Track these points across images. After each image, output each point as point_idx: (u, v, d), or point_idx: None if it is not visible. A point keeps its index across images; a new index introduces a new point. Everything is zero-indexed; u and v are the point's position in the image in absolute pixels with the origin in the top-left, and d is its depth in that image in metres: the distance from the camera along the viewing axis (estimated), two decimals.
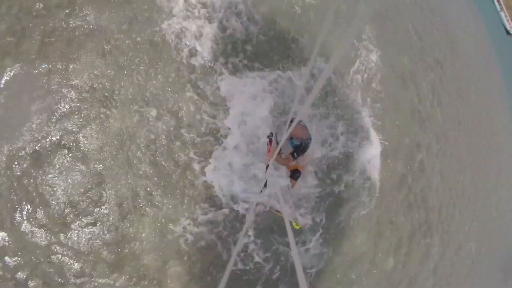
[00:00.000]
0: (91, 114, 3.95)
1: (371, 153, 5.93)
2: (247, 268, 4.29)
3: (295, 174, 4.10)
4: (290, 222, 4.28)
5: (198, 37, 4.51)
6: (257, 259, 4.34)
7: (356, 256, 5.42)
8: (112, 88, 4.05)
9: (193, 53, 4.46)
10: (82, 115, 3.92)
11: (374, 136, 6.10)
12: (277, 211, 4.34)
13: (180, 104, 4.30)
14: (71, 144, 3.83)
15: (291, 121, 4.27)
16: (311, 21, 5.49)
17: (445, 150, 8.42)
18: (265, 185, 4.19)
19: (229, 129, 4.44)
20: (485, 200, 10.59)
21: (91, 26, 4.11)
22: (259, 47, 4.93)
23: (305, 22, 5.42)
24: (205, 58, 4.50)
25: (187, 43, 4.44)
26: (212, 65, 4.53)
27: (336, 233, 5.15)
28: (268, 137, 4.39)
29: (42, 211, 3.65)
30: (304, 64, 5.30)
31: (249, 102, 4.57)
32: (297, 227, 4.35)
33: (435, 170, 7.69)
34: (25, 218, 3.58)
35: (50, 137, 3.77)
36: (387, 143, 6.28)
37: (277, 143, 4.10)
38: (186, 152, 4.23)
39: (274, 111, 4.72)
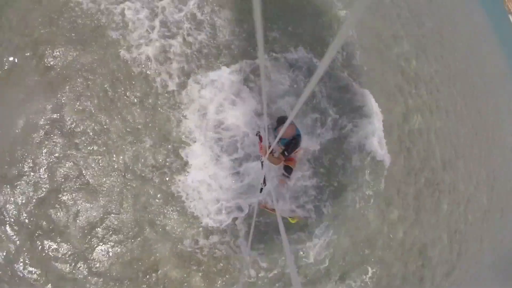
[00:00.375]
0: (88, 157, 4.12)
1: (368, 130, 5.91)
2: (259, 275, 4.46)
3: (286, 171, 4.15)
4: (286, 218, 4.37)
5: (164, 62, 4.50)
6: (264, 265, 4.50)
7: (368, 233, 5.55)
8: (101, 128, 4.20)
9: (164, 80, 4.46)
10: (77, 160, 4.09)
11: (369, 112, 6.07)
12: (272, 209, 4.39)
13: (168, 128, 4.41)
14: (75, 186, 4.04)
15: (280, 121, 4.33)
16: (274, 13, 5.45)
17: (440, 105, 8.40)
18: (264, 182, 4.18)
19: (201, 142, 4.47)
20: (489, 147, 10.58)
21: (63, 69, 4.21)
22: (233, 49, 4.93)
23: (273, 14, 5.39)
24: (179, 81, 4.50)
25: (156, 70, 4.45)
26: (188, 82, 4.54)
27: (344, 217, 5.25)
28: (256, 134, 4.43)
29: (64, 244, 3.92)
30: (282, 55, 5.30)
31: (230, 108, 4.60)
32: (293, 221, 4.37)
33: (432, 128, 7.71)
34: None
35: (51, 183, 3.97)
36: (382, 116, 6.28)
37: (268, 141, 4.17)
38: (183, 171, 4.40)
39: (257, 110, 4.72)
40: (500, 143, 11.57)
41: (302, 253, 4.81)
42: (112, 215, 4.07)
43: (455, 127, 8.83)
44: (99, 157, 4.13)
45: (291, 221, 4.35)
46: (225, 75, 4.72)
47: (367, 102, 6.13)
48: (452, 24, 11.50)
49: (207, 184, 4.34)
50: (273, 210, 4.33)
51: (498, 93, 13.56)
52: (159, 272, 4.11)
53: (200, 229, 4.30)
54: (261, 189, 4.32)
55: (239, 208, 4.44)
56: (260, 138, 4.23)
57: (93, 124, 4.17)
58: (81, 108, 4.17)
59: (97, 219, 4.03)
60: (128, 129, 4.27)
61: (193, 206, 4.28)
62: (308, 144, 4.98)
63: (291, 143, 3.85)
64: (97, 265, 3.97)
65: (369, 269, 5.51)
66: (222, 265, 4.33)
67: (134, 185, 4.18)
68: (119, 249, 4.04)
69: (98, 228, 4.02)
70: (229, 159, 4.46)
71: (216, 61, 4.76)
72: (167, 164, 4.31)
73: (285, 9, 5.62)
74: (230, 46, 4.90)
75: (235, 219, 4.44)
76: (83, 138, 4.12)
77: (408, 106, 7.19)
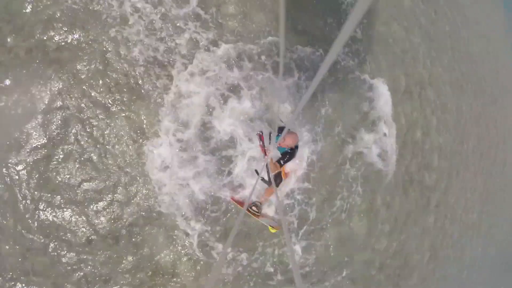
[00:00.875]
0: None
1: (369, 139, 5.88)
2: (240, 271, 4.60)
3: (276, 180, 4.13)
4: (266, 226, 4.38)
5: (163, 55, 4.40)
6: (245, 262, 4.64)
7: (351, 240, 5.66)
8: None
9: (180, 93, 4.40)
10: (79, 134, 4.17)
11: (376, 121, 6.02)
12: (256, 214, 4.34)
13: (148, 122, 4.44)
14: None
15: (281, 130, 4.27)
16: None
17: (448, 123, 8.23)
18: (269, 181, 4.10)
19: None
20: (491, 163, 10.47)
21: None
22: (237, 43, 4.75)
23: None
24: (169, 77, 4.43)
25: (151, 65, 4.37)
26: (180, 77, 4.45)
27: (328, 223, 5.34)
28: (257, 134, 4.26)
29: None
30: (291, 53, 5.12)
31: (221, 107, 4.48)
32: (273, 231, 4.37)
33: (435, 144, 7.62)
34: None
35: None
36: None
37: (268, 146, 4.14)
38: None
39: (249, 114, 4.62)
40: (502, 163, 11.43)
41: (285, 258, 4.94)
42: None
43: (458, 142, 8.70)
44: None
45: (271, 231, 4.38)
46: (223, 70, 4.59)
47: (375, 109, 6.02)
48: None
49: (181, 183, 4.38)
50: (257, 215, 4.38)
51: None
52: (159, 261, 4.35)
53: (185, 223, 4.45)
54: (255, 170, 4.32)
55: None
56: (261, 138, 4.16)
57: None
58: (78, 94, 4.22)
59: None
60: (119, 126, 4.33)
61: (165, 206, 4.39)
62: (302, 160, 4.98)
63: (288, 153, 3.84)
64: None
65: (345, 271, 5.70)
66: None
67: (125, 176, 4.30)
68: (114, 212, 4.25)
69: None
70: (208, 158, 4.48)
71: (214, 50, 4.63)
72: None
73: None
74: (235, 41, 4.76)
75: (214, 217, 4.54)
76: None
77: (413, 118, 7.04)
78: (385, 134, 6.13)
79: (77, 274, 4.10)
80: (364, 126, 5.91)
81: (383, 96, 6.19)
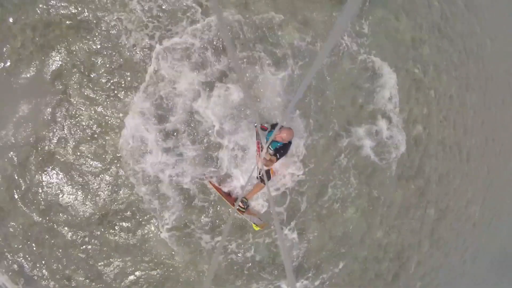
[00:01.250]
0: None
1: (362, 131, 5.84)
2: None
3: (265, 176, 4.06)
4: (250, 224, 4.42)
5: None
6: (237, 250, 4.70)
7: (345, 231, 5.68)
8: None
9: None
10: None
11: (373, 114, 5.94)
12: (241, 210, 4.35)
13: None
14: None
15: (274, 127, 4.26)
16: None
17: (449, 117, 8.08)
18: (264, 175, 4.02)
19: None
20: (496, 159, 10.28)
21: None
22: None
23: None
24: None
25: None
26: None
27: (320, 214, 5.36)
28: (255, 126, 4.32)
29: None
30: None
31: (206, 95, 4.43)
32: (256, 229, 4.41)
33: (435, 139, 7.50)
34: None
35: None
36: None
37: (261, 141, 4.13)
38: None
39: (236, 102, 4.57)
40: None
41: (273, 249, 4.99)
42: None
43: (461, 135, 8.54)
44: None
45: (255, 228, 4.41)
46: (212, 55, 4.55)
47: (375, 101, 5.95)
48: None
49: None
50: (242, 211, 4.38)
51: None
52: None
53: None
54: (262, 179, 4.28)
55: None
56: (262, 128, 4.14)
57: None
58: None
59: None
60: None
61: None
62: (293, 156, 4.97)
63: (282, 148, 3.87)
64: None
65: (341, 263, 5.75)
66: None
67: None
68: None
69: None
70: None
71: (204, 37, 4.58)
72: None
73: None
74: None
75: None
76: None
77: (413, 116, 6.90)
78: (387, 128, 6.07)
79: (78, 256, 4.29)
80: (363, 119, 5.85)
81: (385, 88, 6.09)
